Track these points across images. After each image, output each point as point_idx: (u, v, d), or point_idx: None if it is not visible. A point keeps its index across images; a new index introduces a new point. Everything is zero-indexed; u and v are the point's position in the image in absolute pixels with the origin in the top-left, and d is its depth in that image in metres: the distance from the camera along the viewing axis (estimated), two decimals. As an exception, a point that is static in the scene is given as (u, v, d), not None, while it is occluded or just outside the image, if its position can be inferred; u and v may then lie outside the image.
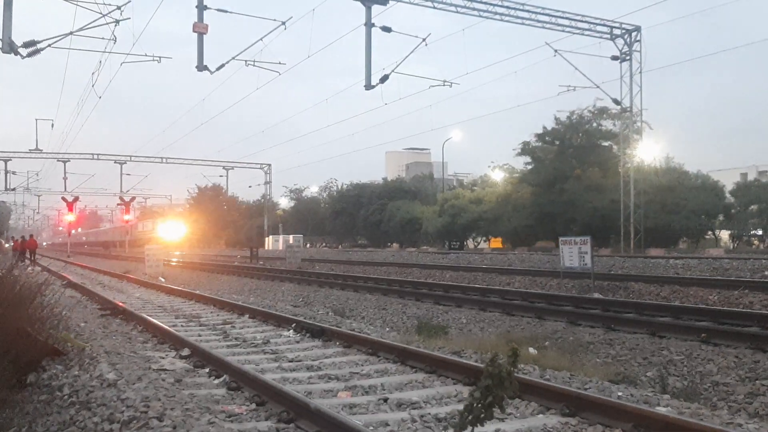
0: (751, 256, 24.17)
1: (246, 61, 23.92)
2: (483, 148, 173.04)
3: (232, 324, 10.98)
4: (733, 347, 8.20)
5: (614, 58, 31.62)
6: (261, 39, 23.02)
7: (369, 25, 23.83)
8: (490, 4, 28.02)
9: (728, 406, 6.52)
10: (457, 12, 27.75)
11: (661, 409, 5.16)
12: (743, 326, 9.02)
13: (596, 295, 13.59)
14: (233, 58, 23.75)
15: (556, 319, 11.06)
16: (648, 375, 7.68)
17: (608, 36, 31.30)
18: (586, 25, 30.41)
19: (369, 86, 24.12)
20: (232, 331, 10.08)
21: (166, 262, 29.26)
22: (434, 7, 27.31)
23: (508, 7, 28.41)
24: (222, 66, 23.48)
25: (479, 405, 3.15)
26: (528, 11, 28.79)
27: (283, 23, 22.38)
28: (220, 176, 67.18)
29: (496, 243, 51.11)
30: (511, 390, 3.15)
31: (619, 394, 5.84)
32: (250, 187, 73.68)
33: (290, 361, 7.58)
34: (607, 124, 41.68)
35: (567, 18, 29.77)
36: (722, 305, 11.65)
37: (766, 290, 12.39)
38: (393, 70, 24.20)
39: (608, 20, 31.30)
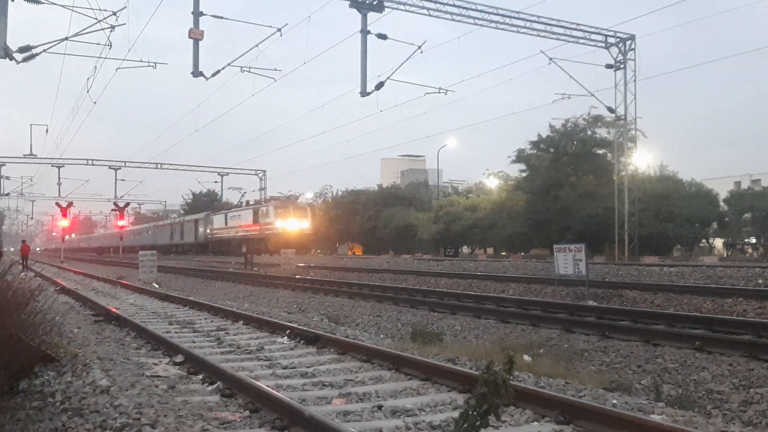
0: (745, 264, 24.23)
1: (241, 67, 23.97)
2: (478, 156, 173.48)
3: (226, 330, 10.93)
4: (727, 355, 8.22)
5: (609, 66, 31.79)
6: (257, 45, 23.09)
7: (365, 32, 23.92)
8: (486, 12, 28.15)
9: (722, 414, 6.52)
10: (453, 20, 27.88)
11: (655, 417, 5.15)
12: (737, 334, 9.05)
13: (591, 303, 13.60)
14: (229, 64, 23.79)
15: (551, 327, 11.07)
16: (642, 383, 7.68)
17: (603, 44, 31.47)
18: (580, 34, 30.57)
19: (364, 93, 24.19)
20: (226, 338, 10.04)
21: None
22: (430, 15, 27.43)
23: (503, 15, 28.55)
24: (217, 72, 23.51)
25: (475, 412, 3.15)
26: (523, 19, 28.94)
27: (279, 30, 22.41)
28: (215, 182, 66.86)
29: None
30: (507, 397, 3.14)
31: (614, 401, 5.85)
32: (245, 193, 73.44)
33: (284, 368, 7.55)
34: (602, 132, 42.02)
35: (562, 26, 29.92)
36: (716, 313, 11.67)
37: (759, 298, 12.42)
38: (388, 77, 24.30)
39: (603, 29, 31.49)
